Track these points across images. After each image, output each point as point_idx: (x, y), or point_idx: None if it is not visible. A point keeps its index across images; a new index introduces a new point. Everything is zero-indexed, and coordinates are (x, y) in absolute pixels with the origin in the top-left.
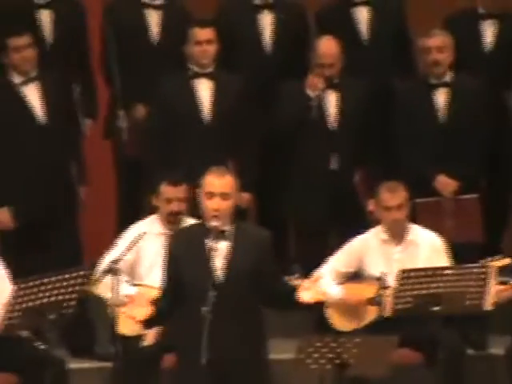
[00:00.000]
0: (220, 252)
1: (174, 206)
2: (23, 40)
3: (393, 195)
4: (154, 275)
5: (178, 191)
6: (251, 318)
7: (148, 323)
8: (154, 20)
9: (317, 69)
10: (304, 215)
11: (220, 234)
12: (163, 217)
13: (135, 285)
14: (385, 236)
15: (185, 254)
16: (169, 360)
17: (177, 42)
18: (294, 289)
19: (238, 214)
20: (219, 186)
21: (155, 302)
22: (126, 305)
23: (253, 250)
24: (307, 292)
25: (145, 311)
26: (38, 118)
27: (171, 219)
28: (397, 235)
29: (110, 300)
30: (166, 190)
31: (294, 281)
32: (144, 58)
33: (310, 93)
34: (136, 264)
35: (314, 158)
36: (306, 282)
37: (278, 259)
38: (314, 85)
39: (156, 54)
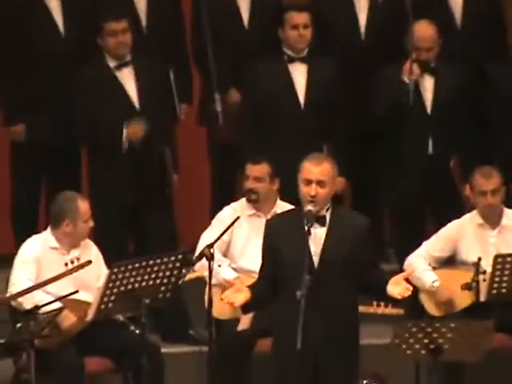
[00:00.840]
0: (316, 237)
1: (249, 184)
2: (120, 25)
3: (487, 180)
4: (246, 255)
5: (256, 169)
6: (345, 303)
7: (247, 308)
8: (244, 4)
9: (413, 53)
10: (399, 200)
11: (316, 219)
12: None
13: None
14: (480, 220)
15: (282, 239)
16: (264, 344)
17: (266, 26)
18: (386, 281)
19: (335, 199)
20: (316, 174)
21: (253, 287)
22: (225, 290)
23: (349, 235)
24: (396, 287)
25: (244, 296)
26: (133, 102)
27: (247, 197)
28: (492, 220)
29: (205, 284)
30: (247, 167)
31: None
32: (235, 43)
33: (406, 79)
34: (229, 244)
35: (410, 143)
36: (396, 277)
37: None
38: (410, 71)
39: (246, 39)
